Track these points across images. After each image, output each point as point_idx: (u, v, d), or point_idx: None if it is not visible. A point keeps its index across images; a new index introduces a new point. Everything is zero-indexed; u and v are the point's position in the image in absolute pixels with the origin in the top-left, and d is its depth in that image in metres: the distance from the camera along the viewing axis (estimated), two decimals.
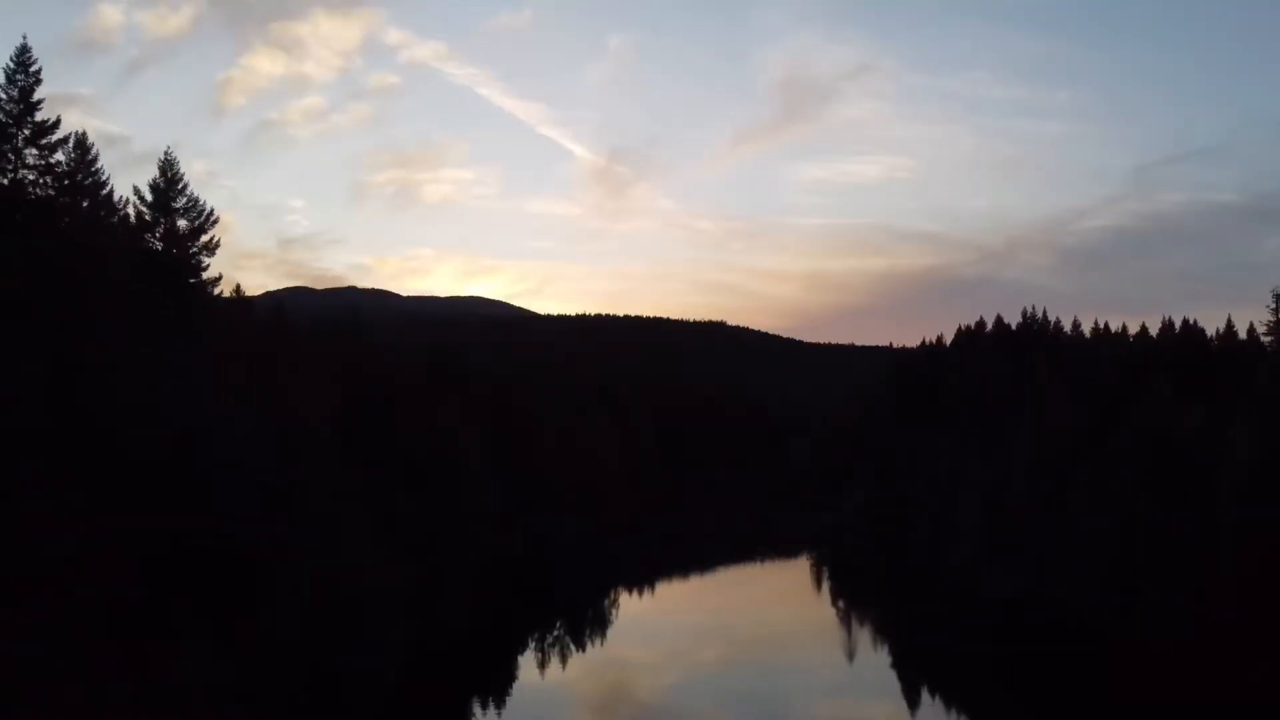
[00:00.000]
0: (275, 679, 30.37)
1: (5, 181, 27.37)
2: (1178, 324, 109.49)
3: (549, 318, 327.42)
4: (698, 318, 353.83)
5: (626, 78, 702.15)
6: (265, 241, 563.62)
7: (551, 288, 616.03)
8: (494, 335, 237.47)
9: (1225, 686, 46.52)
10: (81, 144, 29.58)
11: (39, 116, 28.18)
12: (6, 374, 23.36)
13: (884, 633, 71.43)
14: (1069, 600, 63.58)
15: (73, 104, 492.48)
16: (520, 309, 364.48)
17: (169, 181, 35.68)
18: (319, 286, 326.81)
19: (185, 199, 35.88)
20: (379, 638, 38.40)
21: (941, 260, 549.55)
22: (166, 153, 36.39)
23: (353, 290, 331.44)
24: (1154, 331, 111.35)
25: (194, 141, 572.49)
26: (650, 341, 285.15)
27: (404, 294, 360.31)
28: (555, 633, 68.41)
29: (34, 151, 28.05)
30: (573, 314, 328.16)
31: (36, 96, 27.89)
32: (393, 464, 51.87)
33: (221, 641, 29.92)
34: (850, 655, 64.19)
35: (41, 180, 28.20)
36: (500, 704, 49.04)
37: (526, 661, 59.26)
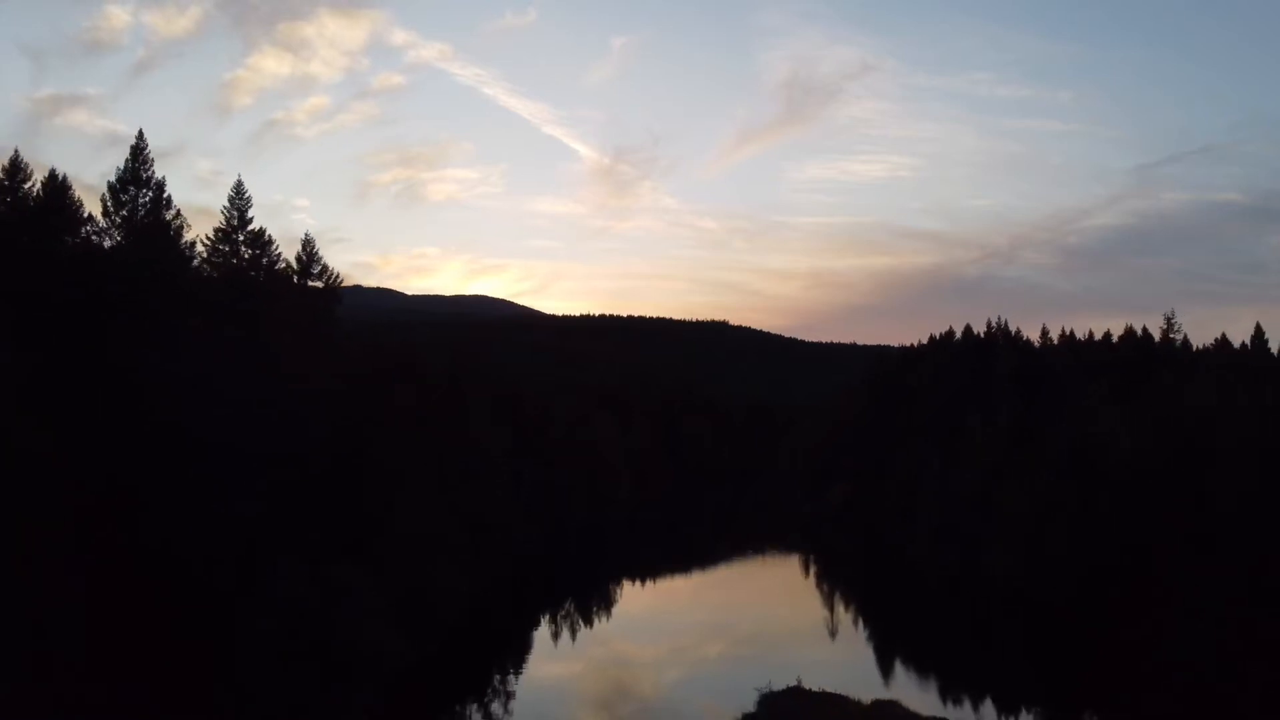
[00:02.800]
0: (392, 587, 47.55)
1: (223, 267, 44.26)
2: (1139, 330, 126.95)
3: (553, 317, 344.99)
4: (700, 316, 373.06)
5: (630, 77, 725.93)
6: None
7: (555, 286, 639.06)
8: (499, 334, 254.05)
9: (1104, 628, 63.15)
10: (267, 240, 46.36)
11: (250, 227, 45.11)
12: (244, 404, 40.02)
13: (852, 601, 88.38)
14: (997, 571, 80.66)
15: (80, 104, 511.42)
16: (524, 307, 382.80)
17: (309, 256, 52.52)
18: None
19: (319, 267, 52.79)
20: (453, 580, 55.59)
21: (944, 259, 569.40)
22: (307, 235, 53.83)
23: (358, 289, 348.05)
24: (1117, 337, 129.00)
25: (200, 141, 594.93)
26: (653, 341, 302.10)
27: (409, 292, 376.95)
28: (566, 607, 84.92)
29: (247, 251, 44.85)
30: (577, 314, 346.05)
31: (249, 214, 44.82)
32: (448, 456, 68.80)
33: (355, 565, 47.06)
34: (824, 614, 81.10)
35: (250, 266, 44.96)
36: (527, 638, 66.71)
37: (545, 628, 76.37)
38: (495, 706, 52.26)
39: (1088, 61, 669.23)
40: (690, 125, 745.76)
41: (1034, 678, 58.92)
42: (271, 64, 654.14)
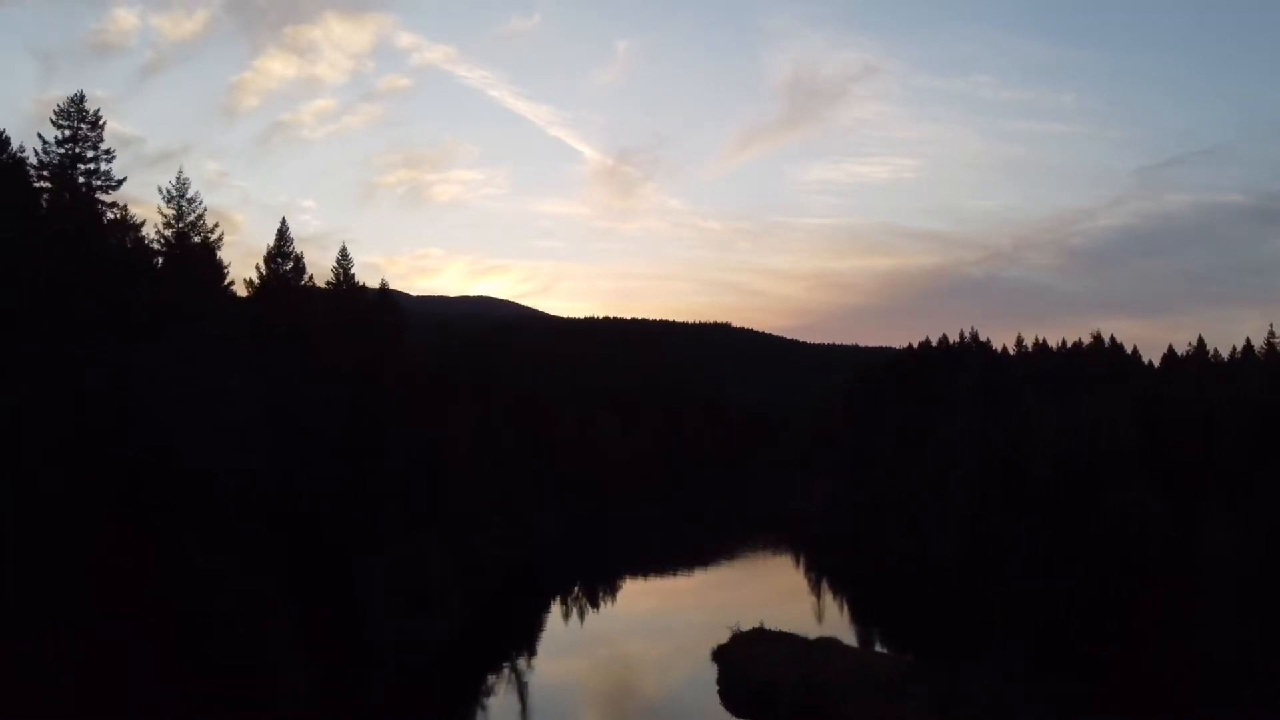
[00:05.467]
0: (451, 553, 66.17)
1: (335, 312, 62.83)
2: (1106, 339, 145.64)
3: (557, 318, 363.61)
4: (704, 317, 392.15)
5: (634, 80, 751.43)
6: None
7: (559, 287, 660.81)
8: (504, 335, 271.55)
9: (1020, 596, 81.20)
10: (362, 288, 64.69)
11: (352, 283, 63.78)
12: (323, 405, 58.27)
13: (820, 578, 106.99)
14: (943, 554, 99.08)
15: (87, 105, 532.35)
16: (528, 308, 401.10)
17: (384, 298, 71.01)
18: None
19: (392, 303, 71.31)
20: (490, 551, 74.37)
21: (948, 260, 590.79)
22: (384, 280, 72.44)
23: (363, 289, 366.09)
24: (1086, 344, 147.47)
25: (207, 142, 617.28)
26: (656, 342, 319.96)
27: (414, 293, 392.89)
28: (575, 589, 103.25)
29: (344, 288, 63.47)
30: (581, 316, 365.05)
31: (352, 271, 63.57)
32: (478, 450, 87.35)
33: (426, 534, 65.60)
34: (807, 588, 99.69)
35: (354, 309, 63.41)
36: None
37: (559, 606, 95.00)
38: (523, 658, 70.96)
39: (1090, 64, 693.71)
40: (694, 127, 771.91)
41: (939, 631, 77.39)
42: (278, 66, 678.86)
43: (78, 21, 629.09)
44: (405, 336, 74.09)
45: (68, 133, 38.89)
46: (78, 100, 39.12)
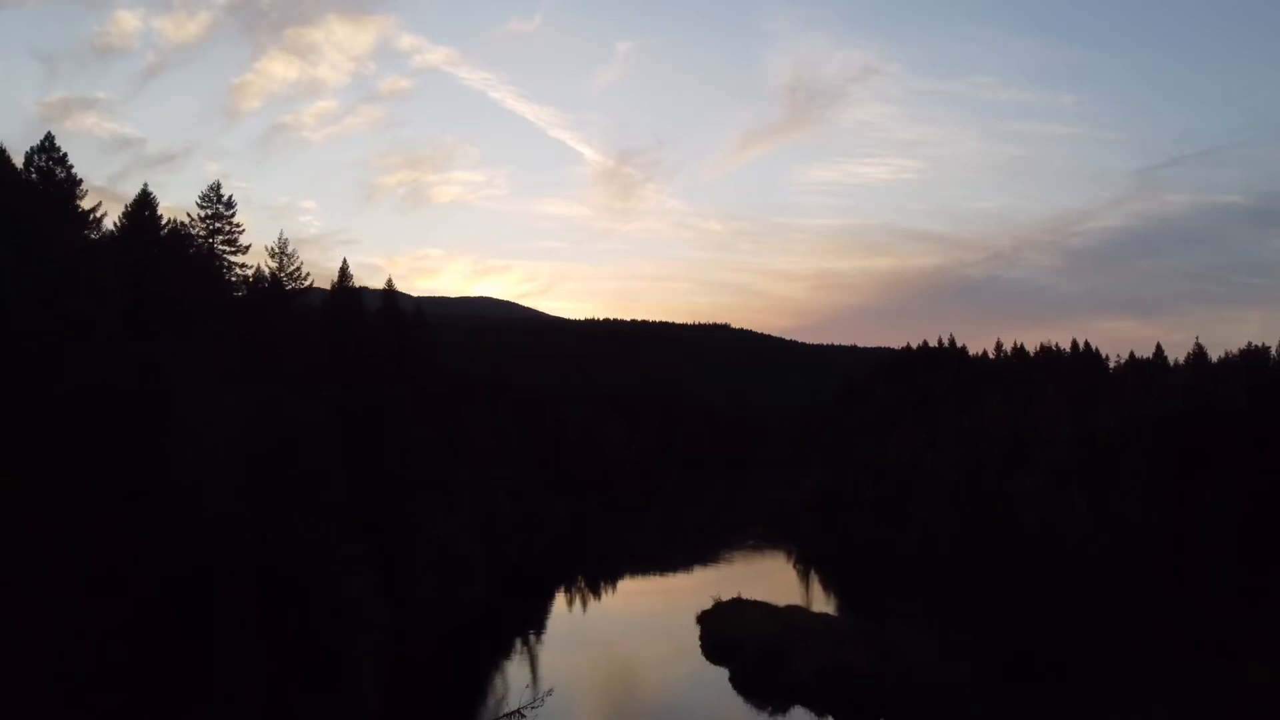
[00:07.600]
0: (469, 537, 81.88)
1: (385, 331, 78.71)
2: (1081, 344, 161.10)
3: (558, 320, 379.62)
4: (704, 318, 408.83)
5: (635, 81, 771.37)
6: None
7: (560, 287, 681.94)
8: (504, 337, 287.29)
9: (957, 571, 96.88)
10: (403, 313, 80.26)
11: (394, 301, 79.49)
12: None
13: (806, 563, 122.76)
14: (908, 541, 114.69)
15: (90, 107, 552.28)
16: (529, 309, 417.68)
17: (418, 315, 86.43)
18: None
19: (424, 322, 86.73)
20: (509, 535, 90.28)
21: (948, 260, 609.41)
22: (419, 307, 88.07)
23: (364, 290, 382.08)
24: (1065, 347, 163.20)
25: (209, 144, 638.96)
26: (657, 344, 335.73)
27: (415, 294, 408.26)
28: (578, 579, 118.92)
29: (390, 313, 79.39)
30: (582, 317, 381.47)
31: (396, 302, 79.15)
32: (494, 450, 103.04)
33: (450, 519, 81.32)
34: (787, 572, 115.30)
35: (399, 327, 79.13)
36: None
37: (564, 595, 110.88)
38: (537, 622, 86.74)
39: (1089, 65, 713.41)
40: (695, 128, 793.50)
41: (889, 600, 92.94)
42: (279, 68, 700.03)
43: (80, 24, 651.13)
44: (436, 349, 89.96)
45: (210, 211, 54.61)
46: (216, 188, 54.75)
